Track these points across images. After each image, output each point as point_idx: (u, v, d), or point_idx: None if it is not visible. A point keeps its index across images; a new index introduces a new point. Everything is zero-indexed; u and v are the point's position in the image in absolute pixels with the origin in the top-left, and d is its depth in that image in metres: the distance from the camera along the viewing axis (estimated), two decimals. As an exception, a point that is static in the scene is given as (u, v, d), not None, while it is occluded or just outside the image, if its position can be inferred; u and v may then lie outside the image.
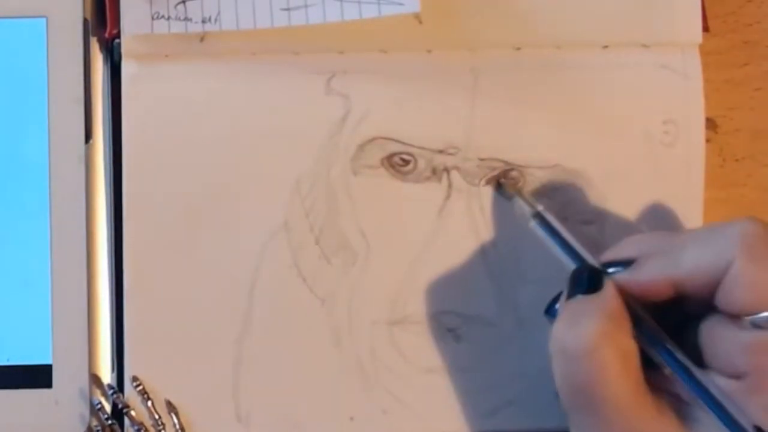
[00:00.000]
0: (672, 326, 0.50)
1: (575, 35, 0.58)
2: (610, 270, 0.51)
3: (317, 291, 0.57)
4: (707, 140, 0.58)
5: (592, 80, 0.58)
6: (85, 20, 0.57)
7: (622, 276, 0.50)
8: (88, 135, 0.57)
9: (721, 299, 0.48)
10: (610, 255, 0.52)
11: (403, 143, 0.57)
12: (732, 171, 0.61)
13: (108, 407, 0.56)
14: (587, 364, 0.48)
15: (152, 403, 0.56)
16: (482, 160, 0.57)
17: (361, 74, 0.57)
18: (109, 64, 0.57)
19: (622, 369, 0.48)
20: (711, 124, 0.60)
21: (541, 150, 0.58)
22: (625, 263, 0.51)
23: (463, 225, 0.57)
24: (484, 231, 0.57)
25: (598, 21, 0.58)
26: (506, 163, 0.57)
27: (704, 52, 0.58)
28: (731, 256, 0.47)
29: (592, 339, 0.48)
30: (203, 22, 0.55)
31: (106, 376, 0.56)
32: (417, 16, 0.57)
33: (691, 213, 0.58)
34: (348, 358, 0.57)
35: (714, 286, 0.48)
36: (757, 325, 0.47)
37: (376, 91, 0.57)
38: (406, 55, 0.57)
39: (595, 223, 0.58)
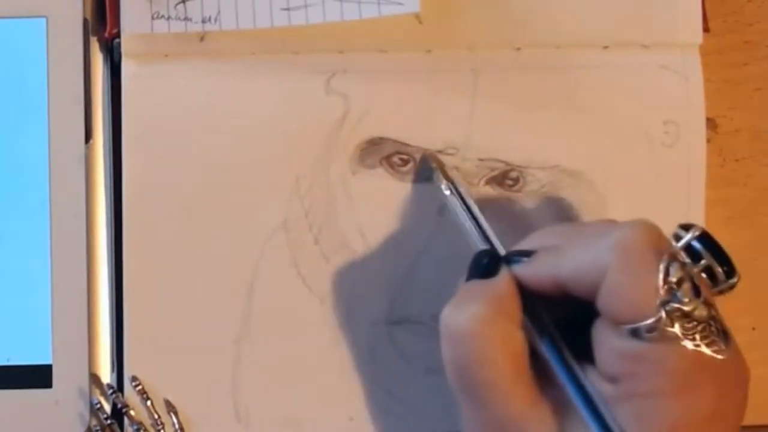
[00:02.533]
0: (583, 320, 0.49)
1: (575, 35, 0.58)
2: (514, 260, 0.51)
3: (316, 291, 0.57)
4: (707, 140, 0.58)
5: (592, 80, 0.58)
6: (85, 20, 0.57)
7: (516, 268, 0.50)
8: (88, 135, 0.57)
9: (600, 304, 0.47)
10: (517, 246, 0.51)
11: (403, 143, 0.57)
12: (732, 171, 0.61)
13: (107, 407, 0.56)
14: (469, 345, 0.48)
15: (152, 403, 0.56)
16: (482, 160, 0.57)
17: (360, 74, 0.57)
18: (109, 64, 0.57)
19: (503, 354, 0.48)
20: (711, 124, 0.60)
21: (541, 150, 0.58)
22: (528, 255, 0.50)
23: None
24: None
25: (598, 21, 0.58)
26: (506, 163, 0.57)
27: (704, 52, 0.58)
28: (607, 263, 0.47)
29: (476, 321, 0.48)
30: (203, 21, 0.56)
31: (106, 376, 0.56)
32: (417, 16, 0.57)
33: (692, 214, 0.58)
34: (348, 358, 0.57)
35: (594, 290, 0.47)
36: (634, 334, 0.46)
37: (376, 90, 0.57)
38: (406, 55, 0.57)
39: (595, 223, 0.58)
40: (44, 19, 0.56)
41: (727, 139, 0.61)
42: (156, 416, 0.56)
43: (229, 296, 0.56)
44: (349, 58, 0.57)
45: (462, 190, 0.55)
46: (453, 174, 0.56)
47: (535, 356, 0.49)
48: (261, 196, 0.56)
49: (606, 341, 0.47)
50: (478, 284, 0.50)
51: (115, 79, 0.57)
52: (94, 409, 0.55)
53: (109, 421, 0.55)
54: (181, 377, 0.56)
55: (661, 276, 0.46)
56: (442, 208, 0.57)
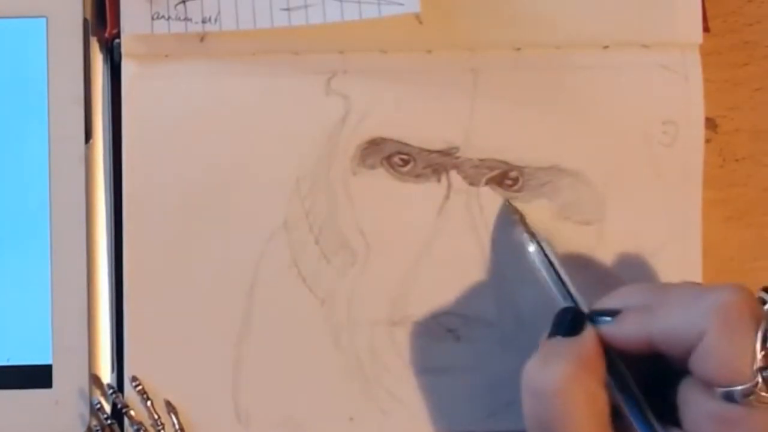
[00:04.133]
0: (663, 378, 0.49)
1: (575, 35, 0.58)
2: (597, 318, 0.51)
3: (317, 291, 0.57)
4: (707, 140, 0.58)
5: (592, 80, 0.58)
6: (85, 20, 0.57)
7: (603, 327, 0.50)
8: (88, 135, 0.57)
9: (694, 366, 0.47)
10: (599, 304, 0.51)
11: (403, 143, 0.57)
12: (732, 171, 0.61)
13: (108, 407, 0.56)
14: (553, 403, 0.48)
15: (152, 403, 0.56)
16: (482, 160, 0.57)
17: (361, 74, 0.57)
18: (109, 64, 0.57)
19: (587, 413, 0.48)
20: (711, 124, 0.60)
21: (541, 150, 0.58)
22: (612, 314, 0.50)
23: (463, 225, 0.57)
24: (484, 231, 0.57)
25: (598, 21, 0.58)
26: (506, 163, 0.57)
27: (704, 52, 0.58)
28: (705, 326, 0.47)
29: (562, 380, 0.48)
30: (203, 22, 0.55)
31: (106, 376, 0.56)
32: (417, 16, 0.57)
33: (689, 214, 0.58)
34: (348, 358, 0.57)
35: (688, 352, 0.47)
36: (727, 398, 0.46)
37: (376, 91, 0.57)
38: (406, 55, 0.57)
39: (595, 223, 0.58)
40: (44, 19, 0.56)
41: (727, 139, 0.61)
42: (156, 416, 0.56)
43: (230, 296, 0.56)
44: (350, 58, 0.57)
45: (544, 244, 0.55)
46: (535, 227, 0.56)
47: (615, 414, 0.49)
48: (261, 197, 0.56)
49: (696, 402, 0.47)
50: (563, 342, 0.50)
51: (115, 79, 0.57)
52: (94, 410, 0.55)
53: (109, 422, 0.55)
54: (181, 377, 0.56)
55: (759, 343, 0.46)
56: (441, 208, 0.57)
